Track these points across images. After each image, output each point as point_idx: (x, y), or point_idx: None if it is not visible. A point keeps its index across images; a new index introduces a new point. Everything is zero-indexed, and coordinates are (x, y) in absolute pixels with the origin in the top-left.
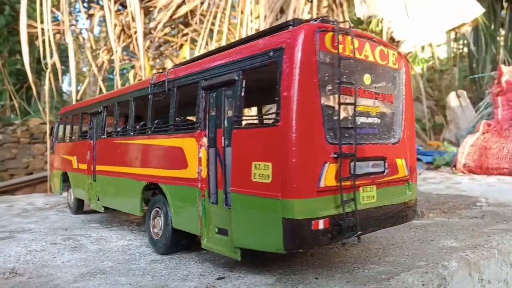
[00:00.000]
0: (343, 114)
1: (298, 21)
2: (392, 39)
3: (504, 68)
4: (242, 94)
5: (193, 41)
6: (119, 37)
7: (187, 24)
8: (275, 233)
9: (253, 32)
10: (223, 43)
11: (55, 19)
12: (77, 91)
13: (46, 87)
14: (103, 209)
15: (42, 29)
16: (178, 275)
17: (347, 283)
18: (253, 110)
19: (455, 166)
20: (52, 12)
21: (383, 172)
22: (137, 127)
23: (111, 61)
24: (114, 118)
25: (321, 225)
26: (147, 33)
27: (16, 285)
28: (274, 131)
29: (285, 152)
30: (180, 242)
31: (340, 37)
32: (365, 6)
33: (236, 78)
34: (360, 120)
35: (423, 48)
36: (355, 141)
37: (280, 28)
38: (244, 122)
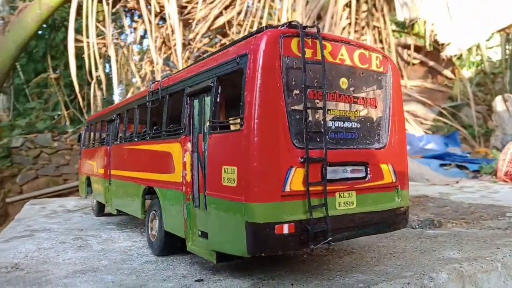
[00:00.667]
0: (315, 119)
1: (270, 27)
2: (436, 42)
3: None
4: (218, 100)
5: None
6: (160, 49)
7: (224, 34)
8: (240, 237)
9: None
10: None
11: (100, 34)
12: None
13: (98, 97)
14: (116, 211)
15: (88, 42)
16: (162, 276)
17: None
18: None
19: (495, 174)
20: (97, 27)
21: (364, 177)
22: (139, 133)
23: (153, 72)
24: (123, 125)
25: (285, 229)
26: (186, 44)
27: (13, 278)
28: (238, 135)
29: (248, 156)
30: (175, 244)
31: (309, 41)
32: (407, 9)
33: (212, 84)
34: (336, 124)
35: (469, 50)
36: (324, 146)
37: (251, 35)
38: (217, 127)
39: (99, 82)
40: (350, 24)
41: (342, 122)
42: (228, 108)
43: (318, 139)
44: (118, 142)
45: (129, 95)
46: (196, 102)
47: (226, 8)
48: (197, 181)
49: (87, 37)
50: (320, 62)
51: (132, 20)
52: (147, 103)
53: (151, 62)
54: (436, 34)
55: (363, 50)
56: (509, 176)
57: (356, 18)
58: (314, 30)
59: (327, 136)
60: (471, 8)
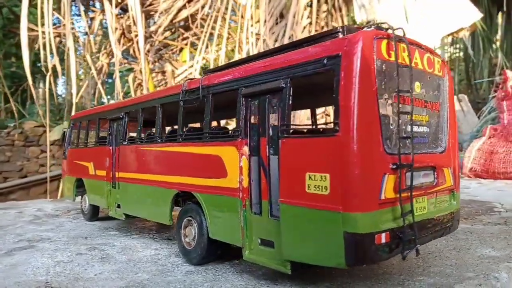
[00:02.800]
0: (398, 124)
1: (347, 28)
2: None
3: (509, 73)
4: (290, 102)
5: (193, 44)
6: (119, 41)
7: (187, 28)
8: (334, 247)
9: (253, 36)
10: (223, 47)
11: (54, 23)
12: (76, 94)
13: (47, 89)
14: (124, 216)
15: (43, 32)
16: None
17: None
18: (296, 117)
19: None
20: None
21: (432, 182)
22: (166, 134)
23: (110, 64)
24: (138, 124)
25: (383, 239)
26: (147, 37)
27: None
28: (332, 141)
29: (346, 163)
30: (216, 252)
31: (394, 44)
32: (364, 11)
33: (284, 85)
34: (414, 129)
35: None
36: (412, 151)
37: (327, 35)
38: (291, 131)
39: (54, 74)
40: (310, 23)
41: (417, 127)
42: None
43: (404, 144)
44: (128, 143)
45: (83, 88)
46: (256, 103)
47: (189, 1)
48: (257, 187)
49: (42, 25)
50: (406, 65)
51: (89, 10)
52: (180, 103)
53: (108, 54)
54: None
55: (430, 54)
56: (473, 172)
57: (317, 18)
58: (400, 32)
59: (413, 141)
60: (425, 11)
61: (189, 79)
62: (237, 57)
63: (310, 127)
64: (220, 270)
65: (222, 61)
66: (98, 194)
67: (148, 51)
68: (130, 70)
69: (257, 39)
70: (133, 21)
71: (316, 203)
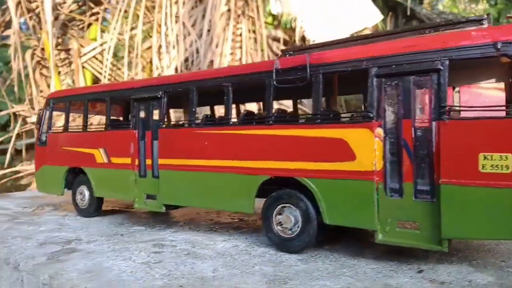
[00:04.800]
0: None
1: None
2: (303, 39)
3: None
4: (446, 83)
5: (104, 21)
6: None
7: (98, 3)
8: None
9: (173, 17)
10: (140, 26)
11: None
12: None
13: None
14: (164, 208)
15: None
16: (386, 273)
17: None
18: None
19: None
20: None
21: None
22: (245, 116)
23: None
24: (191, 105)
25: None
26: (53, 9)
27: None
28: None
29: None
30: (318, 239)
31: None
32: (280, 4)
33: (441, 66)
34: None
35: None
36: None
37: (469, 22)
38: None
39: None
40: (229, 10)
41: None
42: None
43: None
44: (176, 126)
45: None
46: (394, 84)
47: None
48: (396, 169)
49: None
50: None
51: None
52: (271, 82)
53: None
54: (305, 30)
55: None
56: None
57: (235, 4)
58: None
59: None
60: (335, 8)
61: (284, 55)
62: (155, 38)
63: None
64: (343, 257)
65: (138, 42)
66: (114, 185)
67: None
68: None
69: (176, 21)
70: None
71: (496, 181)
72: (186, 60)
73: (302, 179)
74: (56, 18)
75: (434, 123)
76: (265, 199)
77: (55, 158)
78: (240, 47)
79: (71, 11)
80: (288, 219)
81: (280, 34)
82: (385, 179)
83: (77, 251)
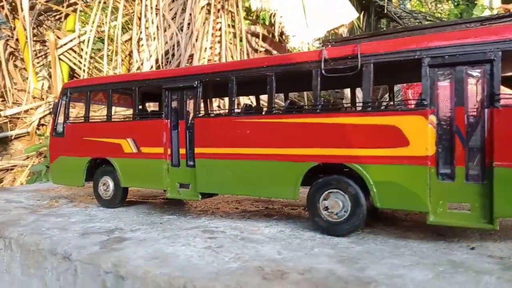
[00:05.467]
0: None
1: None
2: (282, 34)
3: None
4: (499, 73)
5: (82, 12)
6: None
7: None
8: None
9: (153, 10)
10: (119, 19)
11: None
12: None
13: None
14: (199, 196)
15: None
16: (442, 251)
17: None
18: None
19: None
20: None
21: None
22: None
23: None
24: (231, 95)
25: None
26: None
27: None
28: None
29: None
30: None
31: None
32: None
33: (494, 57)
34: None
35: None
36: None
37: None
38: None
39: None
40: (209, 4)
41: None
42: None
43: None
44: (214, 115)
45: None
46: (448, 73)
47: None
48: (449, 154)
49: None
50: None
51: None
52: (318, 71)
53: None
54: (284, 26)
55: None
56: None
57: (214, 0)
58: None
59: None
60: (312, 5)
61: (328, 43)
62: (135, 30)
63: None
64: (390, 238)
65: (118, 34)
66: (144, 175)
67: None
68: None
69: (156, 13)
70: None
71: None
72: (167, 53)
73: (352, 165)
74: (31, 7)
75: (486, 111)
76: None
77: (74, 149)
78: (220, 42)
79: (47, 1)
80: (336, 204)
81: (259, 29)
82: (437, 163)
83: (127, 239)
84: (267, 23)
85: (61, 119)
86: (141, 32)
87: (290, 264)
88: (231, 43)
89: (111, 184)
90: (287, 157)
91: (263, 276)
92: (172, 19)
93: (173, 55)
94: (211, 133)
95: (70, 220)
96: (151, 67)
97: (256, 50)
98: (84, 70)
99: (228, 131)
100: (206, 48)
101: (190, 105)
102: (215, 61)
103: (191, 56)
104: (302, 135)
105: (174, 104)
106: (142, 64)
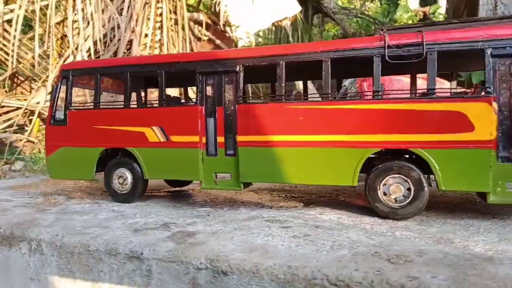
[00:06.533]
0: None
1: None
2: (227, 23)
3: None
4: None
5: None
6: None
7: None
8: None
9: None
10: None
11: None
12: None
13: None
14: (242, 186)
15: None
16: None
17: None
18: None
19: None
20: None
21: None
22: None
23: None
24: (280, 80)
25: None
26: None
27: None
28: None
29: None
30: None
31: None
32: None
33: None
34: None
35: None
36: None
37: None
38: None
39: None
40: None
41: None
42: None
43: None
44: (259, 101)
45: None
46: (507, 64)
47: None
48: (506, 138)
49: None
50: None
51: None
52: (379, 58)
53: None
54: (229, 15)
55: None
56: None
57: None
58: None
59: None
60: None
61: (390, 30)
62: (70, 11)
63: None
64: (449, 219)
65: (51, 14)
66: (174, 166)
67: None
68: None
69: None
70: None
71: None
72: (105, 36)
73: (418, 151)
74: None
75: None
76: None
77: (81, 138)
78: (161, 28)
79: None
80: (397, 189)
81: (202, 17)
82: (498, 147)
83: (195, 233)
84: (212, 11)
85: (62, 105)
86: (76, 13)
87: (396, 248)
88: (172, 30)
89: (129, 176)
90: (347, 144)
91: (389, 260)
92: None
93: (111, 39)
94: (257, 120)
95: (100, 217)
96: (88, 51)
97: (199, 39)
98: (12, 56)
99: (278, 118)
100: (145, 34)
101: (229, 90)
102: (155, 48)
103: (130, 41)
104: (364, 121)
105: (210, 89)
106: (76, 48)
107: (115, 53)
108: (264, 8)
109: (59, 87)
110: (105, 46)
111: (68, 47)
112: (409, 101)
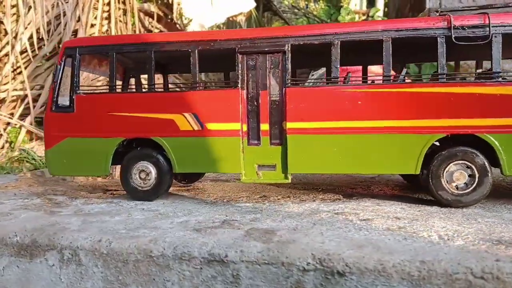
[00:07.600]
0: None
1: None
2: (181, 16)
3: None
4: None
5: None
6: None
7: None
8: None
9: None
10: None
11: None
12: None
13: None
14: (290, 178)
15: None
16: None
17: None
18: None
19: None
20: None
21: None
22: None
23: None
24: (334, 62)
25: None
26: None
27: None
28: None
29: None
30: None
31: None
32: None
33: None
34: None
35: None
36: None
37: None
38: None
39: None
40: None
41: None
42: None
43: None
44: (310, 84)
45: None
46: None
47: None
48: None
49: None
50: None
51: None
52: (443, 39)
53: None
54: (182, 8)
55: None
56: None
57: None
58: None
59: None
60: None
61: (453, 11)
62: None
63: None
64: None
65: None
66: (210, 157)
67: None
68: None
69: None
70: None
71: None
72: (49, 23)
73: (484, 136)
74: None
75: None
76: None
77: (93, 127)
78: (108, 18)
79: None
80: (461, 176)
81: (153, 8)
82: None
83: (275, 230)
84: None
85: (67, 89)
86: None
87: (494, 236)
88: (121, 21)
89: (153, 171)
90: (410, 129)
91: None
92: None
93: (56, 26)
94: (309, 105)
95: (137, 217)
96: (30, 39)
97: (149, 31)
98: None
99: (333, 103)
100: (92, 24)
101: (275, 72)
102: None
103: (75, 31)
104: (428, 105)
105: (253, 71)
106: (15, 36)
107: (59, 43)
108: (219, 2)
109: (62, 67)
110: (48, 35)
111: (5, 35)
112: (474, 84)
